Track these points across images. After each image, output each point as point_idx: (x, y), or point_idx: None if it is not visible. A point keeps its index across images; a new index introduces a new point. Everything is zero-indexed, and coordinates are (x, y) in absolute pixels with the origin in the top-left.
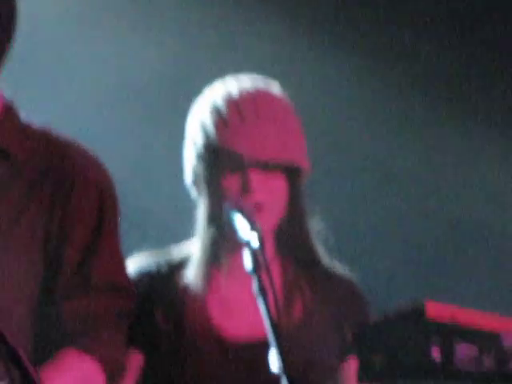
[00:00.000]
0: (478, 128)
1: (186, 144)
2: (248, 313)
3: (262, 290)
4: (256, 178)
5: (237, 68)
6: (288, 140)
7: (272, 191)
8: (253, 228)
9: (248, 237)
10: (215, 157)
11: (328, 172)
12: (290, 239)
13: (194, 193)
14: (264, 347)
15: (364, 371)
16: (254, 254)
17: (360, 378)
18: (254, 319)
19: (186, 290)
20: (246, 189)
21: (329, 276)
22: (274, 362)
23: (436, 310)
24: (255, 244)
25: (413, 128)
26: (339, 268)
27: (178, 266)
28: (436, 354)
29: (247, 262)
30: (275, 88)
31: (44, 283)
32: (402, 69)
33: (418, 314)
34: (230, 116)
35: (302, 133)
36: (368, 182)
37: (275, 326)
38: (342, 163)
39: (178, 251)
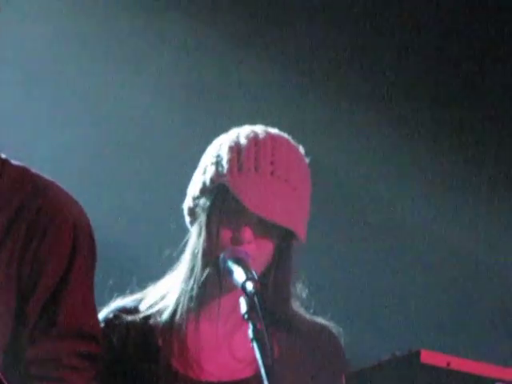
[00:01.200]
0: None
1: (196, 170)
2: (222, 356)
3: (258, 336)
4: (249, 231)
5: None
6: (294, 207)
7: (260, 248)
8: (249, 277)
9: (245, 285)
10: (220, 195)
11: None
12: (270, 295)
13: (187, 220)
14: None
15: None
16: (250, 300)
17: None
18: (227, 363)
19: (163, 329)
20: (238, 240)
21: (304, 324)
22: None
23: (431, 356)
24: (252, 291)
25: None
26: (317, 318)
27: (155, 309)
28: None
29: (243, 307)
30: (300, 149)
31: (15, 326)
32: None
33: (412, 359)
34: (247, 161)
35: (309, 201)
36: (362, 234)
37: (270, 372)
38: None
39: (154, 291)
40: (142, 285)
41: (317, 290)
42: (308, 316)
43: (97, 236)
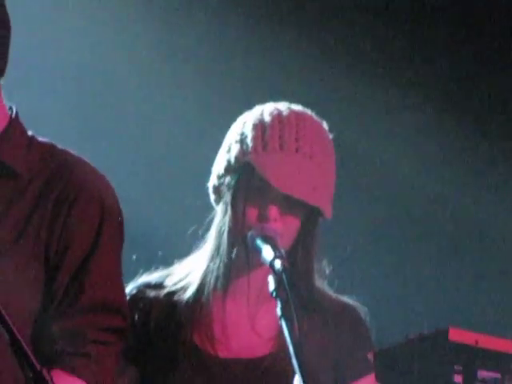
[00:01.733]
0: None
1: (221, 147)
2: (244, 334)
3: (287, 313)
4: (275, 209)
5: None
6: (320, 184)
7: (286, 225)
8: (278, 255)
9: (274, 262)
10: (245, 174)
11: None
12: (292, 274)
13: (212, 198)
14: (262, 363)
15: None
16: (278, 278)
17: None
18: (248, 340)
19: (187, 306)
20: (264, 218)
21: (327, 301)
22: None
23: (459, 334)
24: (280, 269)
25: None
26: (342, 298)
27: (179, 286)
28: (458, 378)
29: (271, 285)
30: (324, 125)
31: (43, 299)
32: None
33: (441, 337)
34: (272, 139)
35: (334, 177)
36: (388, 210)
37: (300, 351)
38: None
39: (180, 268)
40: (168, 262)
41: (341, 267)
42: (333, 294)
43: (123, 211)
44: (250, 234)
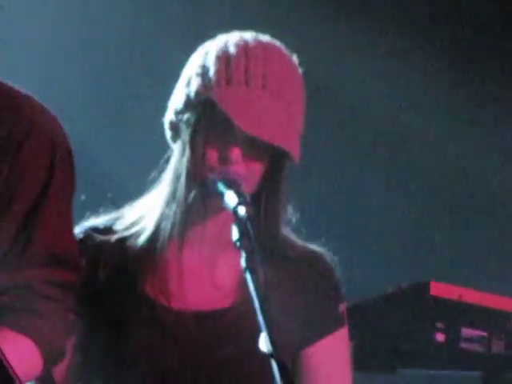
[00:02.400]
0: None
1: (179, 80)
2: (201, 285)
3: (252, 265)
4: (238, 150)
5: None
6: (287, 124)
7: (250, 168)
8: (242, 201)
9: (237, 209)
10: (206, 110)
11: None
12: (259, 219)
13: (168, 135)
14: (222, 318)
15: (363, 358)
16: (243, 226)
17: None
18: (206, 292)
19: (139, 254)
20: (226, 160)
21: (291, 250)
22: (265, 343)
23: (441, 288)
24: (244, 217)
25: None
26: (308, 245)
27: (131, 231)
28: (440, 336)
29: (235, 234)
30: (294, 59)
31: None
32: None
33: (421, 292)
34: (237, 73)
35: (303, 118)
36: (377, 158)
37: (267, 307)
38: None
39: (132, 211)
40: (118, 204)
41: (310, 215)
42: (298, 242)
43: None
44: (211, 177)
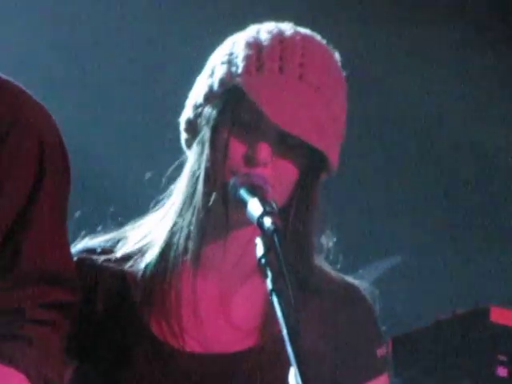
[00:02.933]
0: None
1: (201, 74)
2: (216, 320)
3: (280, 287)
4: (266, 148)
5: None
6: (327, 123)
7: (279, 173)
8: (268, 210)
9: (263, 220)
10: (231, 101)
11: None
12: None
13: (183, 139)
14: (246, 360)
15: None
16: (268, 240)
17: None
18: (225, 334)
19: (144, 278)
20: (252, 160)
21: (325, 282)
22: (295, 379)
23: (503, 314)
24: (271, 229)
25: None
26: (345, 277)
27: (134, 249)
28: (503, 370)
29: (259, 249)
30: (337, 57)
31: None
32: None
33: (479, 318)
34: (269, 59)
35: (344, 121)
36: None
37: (297, 336)
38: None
39: (135, 231)
40: (120, 222)
41: (347, 240)
42: (333, 272)
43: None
44: (232, 181)
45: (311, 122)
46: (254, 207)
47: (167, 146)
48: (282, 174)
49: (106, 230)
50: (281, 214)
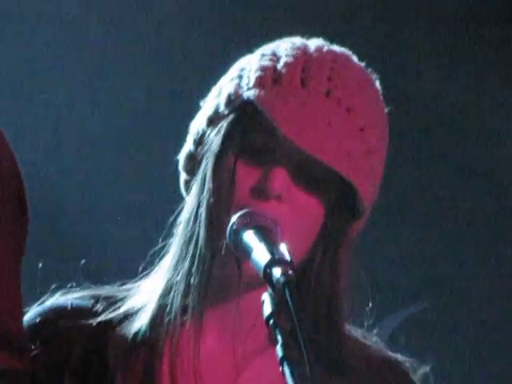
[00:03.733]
0: None
1: (205, 100)
2: None
3: (292, 354)
4: (282, 178)
5: None
6: (358, 149)
7: (297, 209)
8: (277, 258)
9: (271, 269)
10: (240, 118)
11: None
12: (306, 301)
13: (182, 180)
14: None
15: None
16: (278, 295)
17: None
18: None
19: (130, 347)
20: (263, 192)
21: (358, 355)
22: None
23: None
24: (281, 281)
25: None
26: (385, 351)
27: (119, 311)
28: None
29: (267, 307)
30: (374, 78)
31: None
32: None
33: None
34: (290, 71)
35: (383, 153)
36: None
37: None
38: None
39: (121, 292)
40: (99, 278)
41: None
42: (371, 345)
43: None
44: (232, 222)
45: (339, 146)
46: (260, 254)
47: (158, 199)
48: (301, 213)
49: (78, 286)
50: (300, 269)
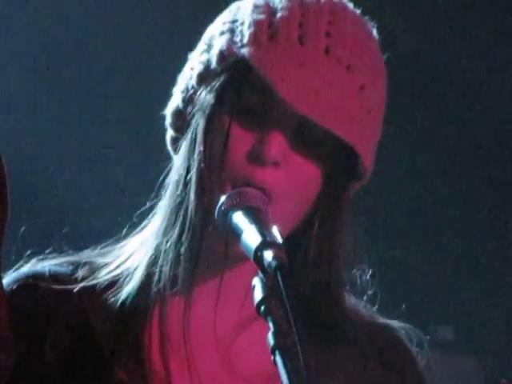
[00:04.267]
0: None
1: (192, 54)
2: (211, 370)
3: (284, 342)
4: (279, 144)
5: None
6: (358, 109)
7: (296, 178)
8: (268, 241)
9: (262, 253)
10: (234, 77)
11: None
12: (303, 268)
13: (169, 136)
14: None
15: None
16: (269, 281)
17: None
18: (219, 380)
19: (115, 315)
20: (259, 157)
21: (355, 324)
22: None
23: None
24: (273, 265)
25: None
26: (381, 319)
27: (103, 277)
28: None
29: (258, 293)
30: (374, 31)
31: None
32: None
33: None
34: (286, 26)
35: (381, 112)
36: None
37: None
38: None
39: (104, 257)
40: (77, 245)
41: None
42: (368, 312)
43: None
44: (219, 204)
45: (340, 108)
46: (250, 237)
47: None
48: (299, 178)
49: (58, 253)
50: (297, 237)
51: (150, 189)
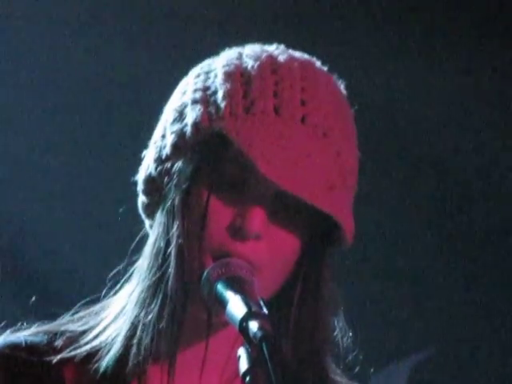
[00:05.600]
0: None
1: (163, 117)
2: None
3: None
4: (260, 218)
5: None
6: (337, 176)
7: (276, 247)
8: (254, 311)
9: (247, 324)
10: (209, 152)
11: None
12: (287, 336)
13: (141, 203)
14: None
15: None
16: (255, 351)
17: None
18: None
19: None
20: (240, 231)
21: None
22: None
23: None
24: (258, 336)
25: None
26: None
27: (81, 348)
28: None
29: (243, 363)
30: (341, 86)
31: None
32: None
33: None
34: (261, 97)
35: (357, 169)
36: None
37: None
38: None
39: (80, 326)
40: (48, 313)
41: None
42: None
43: None
44: (205, 273)
45: (318, 178)
46: (236, 308)
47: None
48: (281, 248)
49: (32, 324)
50: (279, 305)
51: (124, 253)
